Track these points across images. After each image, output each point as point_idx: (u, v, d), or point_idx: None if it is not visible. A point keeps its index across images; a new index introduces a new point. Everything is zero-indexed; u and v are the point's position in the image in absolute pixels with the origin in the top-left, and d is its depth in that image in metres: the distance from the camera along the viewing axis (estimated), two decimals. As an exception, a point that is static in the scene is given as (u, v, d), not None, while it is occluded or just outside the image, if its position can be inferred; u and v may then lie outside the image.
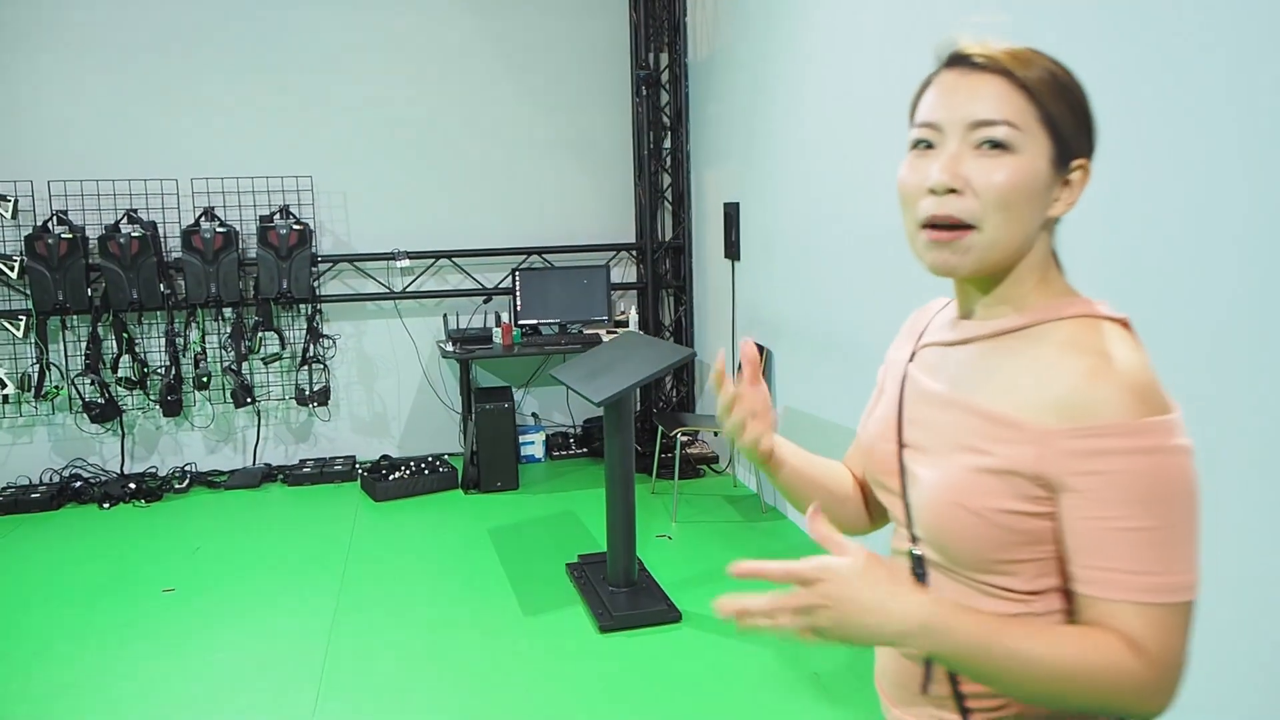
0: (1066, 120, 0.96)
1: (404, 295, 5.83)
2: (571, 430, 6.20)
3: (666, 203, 6.08)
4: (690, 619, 3.70)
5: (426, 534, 4.73)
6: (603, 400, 3.40)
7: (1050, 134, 0.95)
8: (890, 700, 1.14)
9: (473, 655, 3.45)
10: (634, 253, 6.21)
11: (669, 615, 3.68)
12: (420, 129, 5.75)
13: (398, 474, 5.33)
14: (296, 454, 5.89)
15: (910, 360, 1.13)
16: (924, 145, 0.99)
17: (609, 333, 5.77)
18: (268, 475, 5.64)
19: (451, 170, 5.83)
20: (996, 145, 0.94)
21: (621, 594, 3.80)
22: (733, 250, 5.24)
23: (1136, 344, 0.95)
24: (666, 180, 6.04)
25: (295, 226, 5.43)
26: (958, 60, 0.99)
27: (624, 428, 3.71)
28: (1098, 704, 0.90)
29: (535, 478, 5.60)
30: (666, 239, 6.10)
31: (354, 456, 5.82)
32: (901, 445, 1.08)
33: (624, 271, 6.22)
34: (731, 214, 5.20)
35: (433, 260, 5.85)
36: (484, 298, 5.86)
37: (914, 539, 1.05)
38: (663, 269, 6.12)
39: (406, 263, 5.73)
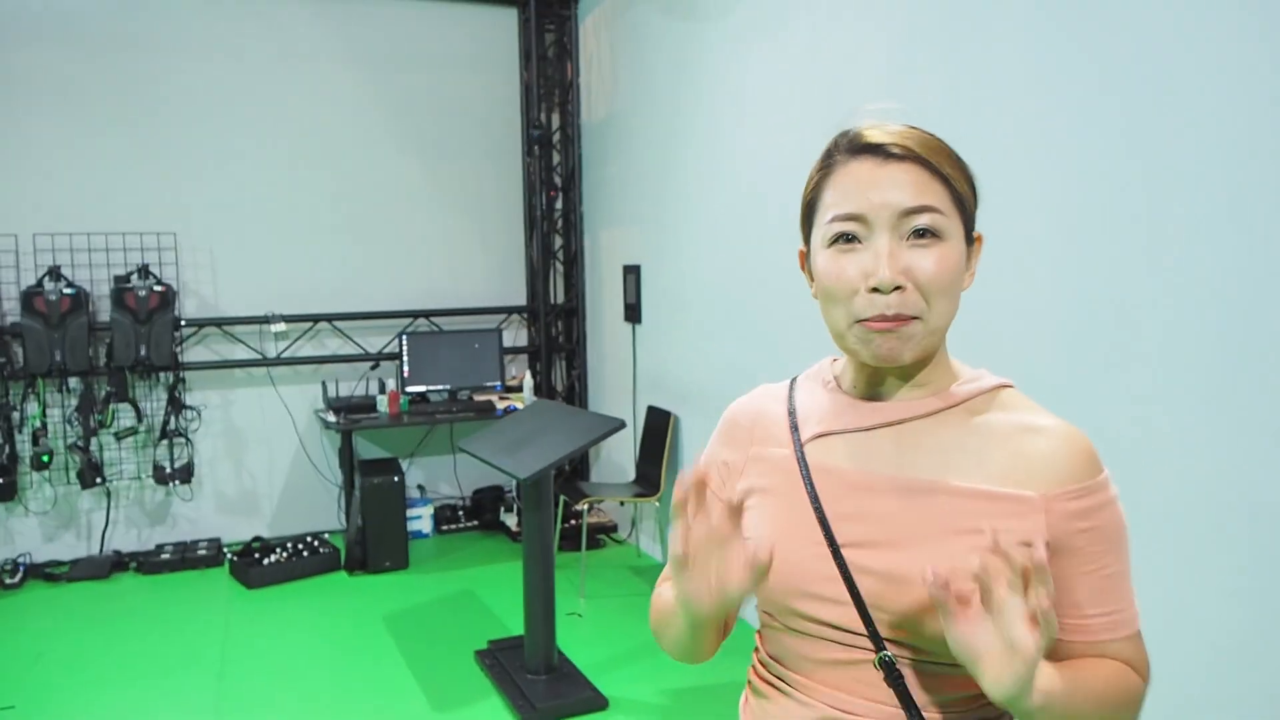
0: (969, 199, 0.99)
1: (279, 361, 5.40)
2: (460, 502, 5.87)
3: (558, 264, 5.92)
4: (617, 704, 3.46)
5: (313, 623, 4.30)
6: (529, 477, 3.17)
7: (960, 214, 0.97)
8: None
9: (383, 763, 3.10)
10: (525, 315, 6.00)
11: (595, 702, 3.43)
12: (297, 185, 5.40)
13: (273, 556, 4.87)
14: (151, 538, 5.30)
15: (800, 453, 1.04)
16: (847, 239, 0.96)
17: (501, 399, 5.52)
18: (117, 564, 5.04)
19: (330, 229, 5.50)
20: (926, 233, 0.94)
21: (541, 682, 3.52)
22: (633, 313, 5.12)
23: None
24: (559, 241, 5.89)
25: (156, 288, 4.96)
26: (866, 149, 0.97)
27: (544, 504, 3.47)
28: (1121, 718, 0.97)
29: (425, 554, 5.23)
30: (559, 301, 5.93)
31: (219, 539, 5.29)
32: (836, 546, 0.98)
33: (514, 335, 6.00)
34: (632, 276, 5.10)
35: (310, 324, 5.47)
36: (371, 364, 5.51)
37: (880, 645, 0.96)
38: (554, 332, 5.93)
39: (282, 327, 5.33)
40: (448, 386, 5.46)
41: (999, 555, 0.83)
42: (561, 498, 5.08)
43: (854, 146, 0.98)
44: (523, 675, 3.57)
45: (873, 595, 0.96)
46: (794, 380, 1.13)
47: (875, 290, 0.93)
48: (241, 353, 5.36)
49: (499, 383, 5.55)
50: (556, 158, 5.82)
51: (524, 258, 5.98)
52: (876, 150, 0.96)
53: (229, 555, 5.01)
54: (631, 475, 5.19)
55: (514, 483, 5.89)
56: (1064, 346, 2.44)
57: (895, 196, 0.94)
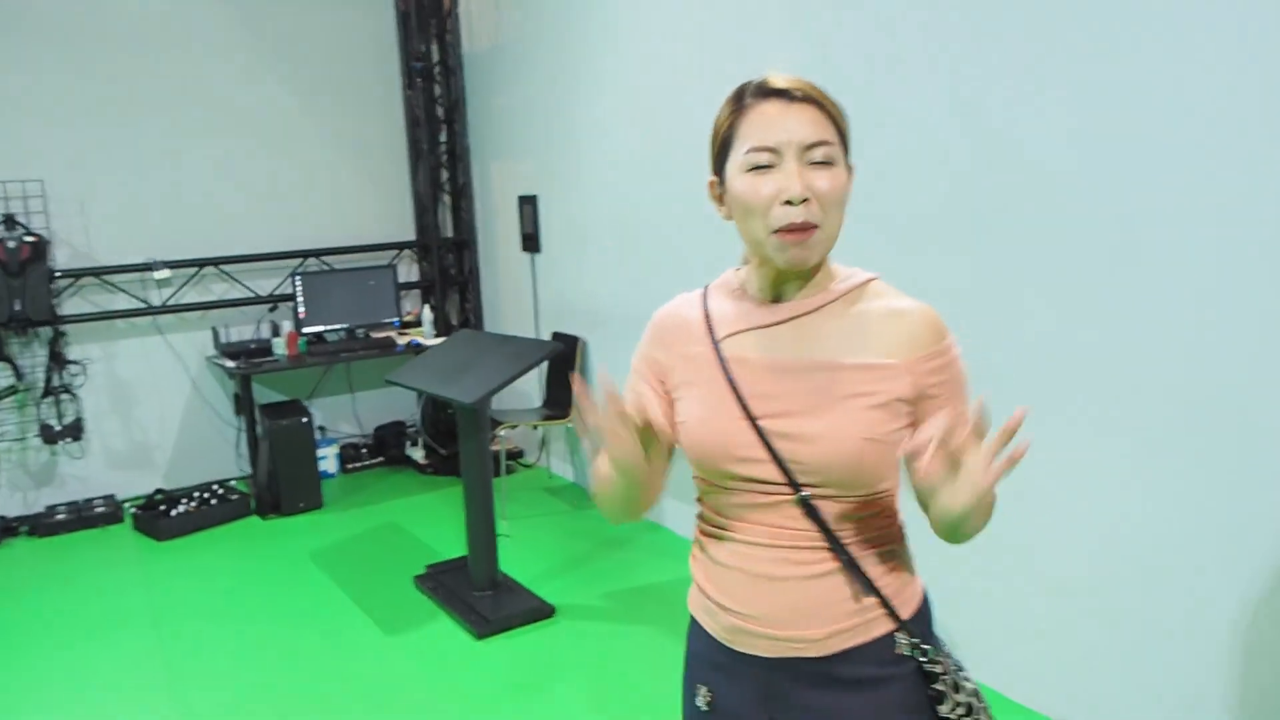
0: (847, 134, 1.24)
1: (165, 309, 5.22)
2: (362, 440, 5.88)
3: (446, 197, 5.92)
4: (563, 611, 3.68)
5: (237, 568, 4.30)
6: (477, 400, 3.29)
7: (843, 146, 1.23)
8: (783, 627, 1.25)
9: (352, 684, 3.22)
10: (415, 250, 5.99)
11: (542, 611, 3.64)
12: (169, 128, 5.16)
13: (180, 507, 4.79)
14: (38, 500, 5.09)
15: (716, 349, 1.29)
16: (761, 167, 1.19)
17: (400, 334, 5.54)
18: (6, 529, 4.84)
19: (209, 172, 5.30)
20: (822, 161, 1.18)
21: (488, 597, 3.70)
22: (531, 243, 5.22)
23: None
24: (445, 175, 5.88)
25: (26, 238, 4.69)
26: (775, 93, 1.20)
27: (482, 429, 3.61)
28: (990, 509, 1.21)
29: (337, 494, 5.26)
30: (449, 235, 5.94)
31: (114, 495, 5.14)
32: (754, 419, 1.24)
33: (406, 270, 5.98)
34: (529, 207, 5.18)
35: (196, 269, 5.29)
36: (270, 305, 5.39)
37: (797, 488, 1.23)
38: (447, 265, 5.95)
39: (166, 273, 5.14)
40: (345, 325, 5.43)
41: (962, 423, 1.11)
42: (474, 427, 5.21)
43: (763, 91, 1.21)
44: (468, 593, 3.74)
45: (787, 452, 1.22)
46: (706, 289, 1.38)
47: (788, 203, 1.17)
48: (123, 302, 5.15)
49: (396, 319, 5.55)
50: (438, 90, 5.77)
51: (410, 193, 5.94)
52: (783, 94, 1.20)
53: (132, 510, 4.89)
54: (536, 402, 5.35)
55: (416, 417, 5.95)
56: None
57: (800, 132, 1.18)
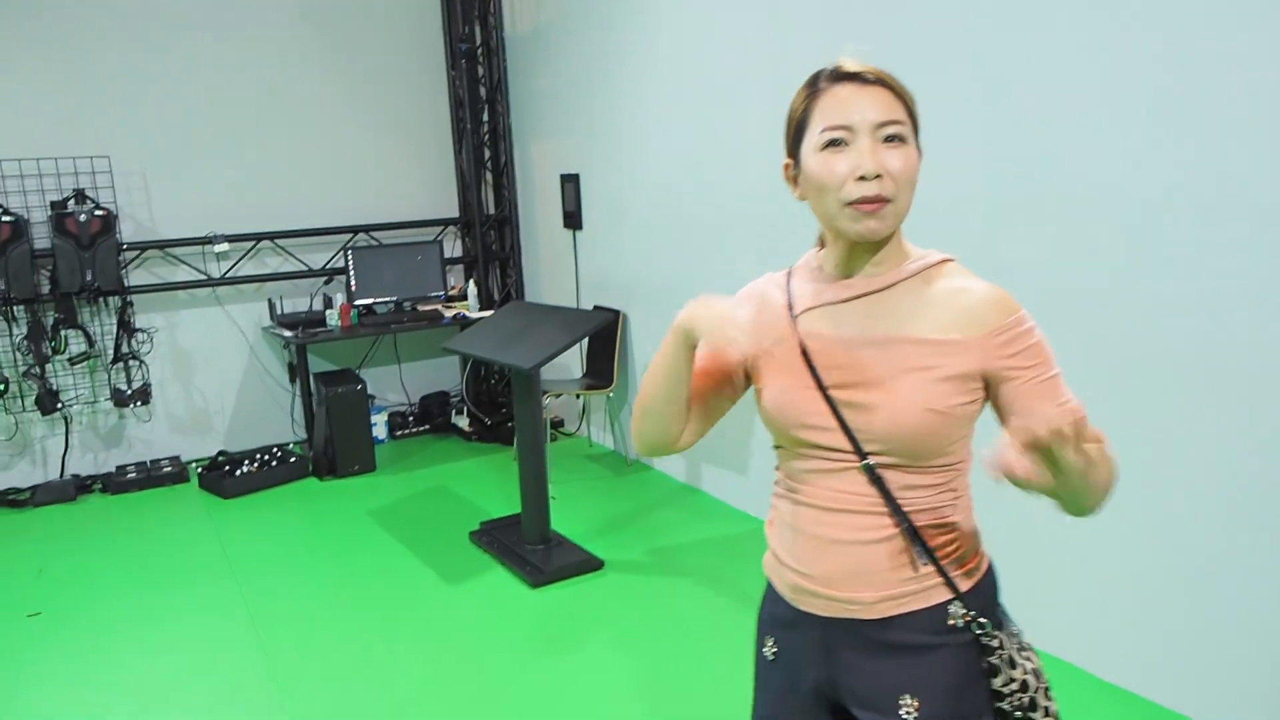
0: (916, 117, 1.30)
1: (225, 281, 5.49)
2: (409, 409, 6.14)
3: (488, 175, 6.14)
4: (611, 564, 3.93)
5: (301, 524, 4.58)
6: (535, 365, 3.52)
7: (914, 126, 1.29)
8: (838, 588, 1.33)
9: (417, 627, 3.48)
10: (459, 226, 6.22)
11: (592, 564, 3.89)
12: (225, 106, 5.41)
13: (243, 468, 5.07)
14: (108, 461, 5.39)
15: (794, 324, 1.38)
16: (836, 144, 1.26)
17: (446, 307, 5.78)
18: (81, 486, 5.14)
19: (262, 150, 5.54)
20: (895, 139, 1.25)
21: (540, 550, 3.95)
22: (573, 220, 5.44)
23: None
24: (487, 154, 6.10)
25: (97, 213, 4.96)
26: (847, 77, 1.27)
27: (535, 393, 3.85)
28: (1114, 473, 1.23)
29: (387, 458, 5.53)
30: (491, 212, 6.17)
31: (178, 456, 5.43)
32: (825, 389, 1.32)
33: (450, 246, 6.22)
34: (571, 185, 5.39)
35: (253, 244, 5.55)
36: (325, 279, 5.65)
37: (862, 455, 1.30)
38: (489, 241, 6.18)
39: (225, 246, 5.40)
40: (394, 298, 5.68)
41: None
42: (518, 395, 5.46)
43: (836, 75, 1.28)
44: (522, 546, 3.99)
45: (854, 421, 1.30)
46: (790, 270, 1.46)
47: (862, 179, 1.23)
48: (182, 274, 5.42)
49: (442, 292, 5.79)
50: (481, 71, 5.98)
51: (453, 171, 6.16)
52: (855, 77, 1.27)
53: (199, 470, 5.17)
54: (576, 373, 5.59)
55: (460, 387, 6.20)
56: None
57: (873, 112, 1.24)
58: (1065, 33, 2.72)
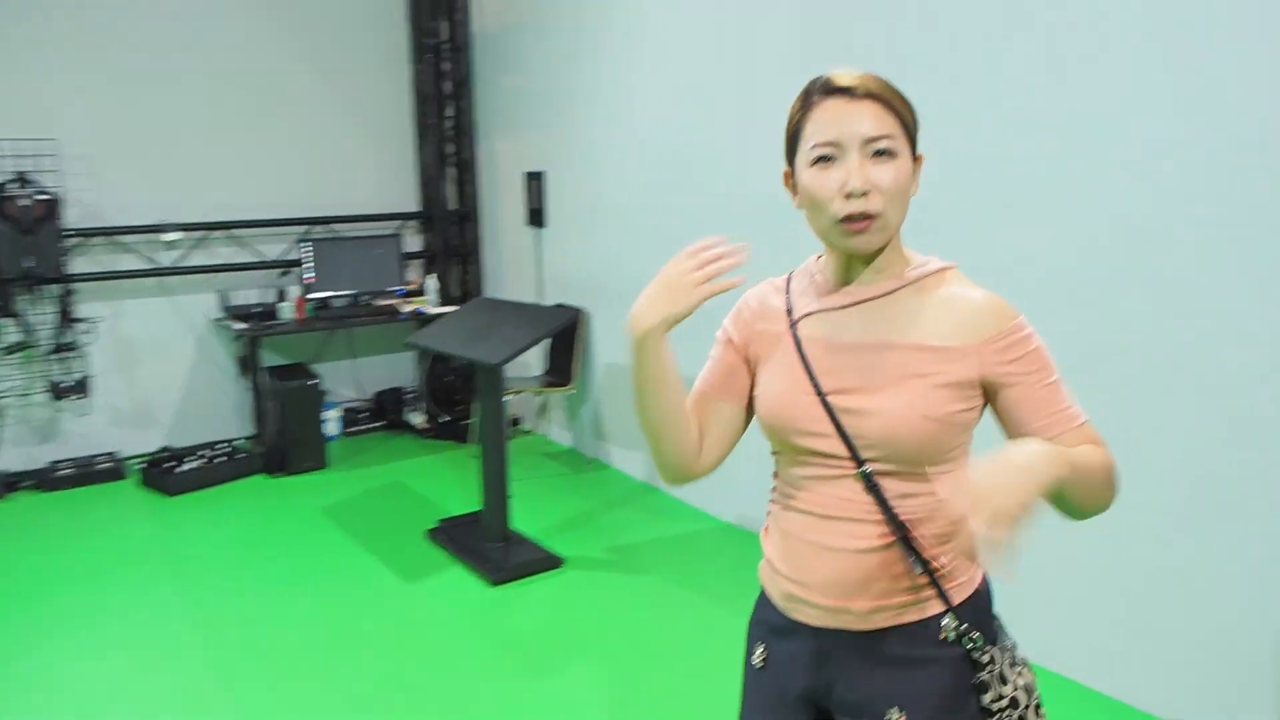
0: (912, 126, 1.29)
1: (175, 270, 5.31)
2: (363, 404, 6.01)
3: (451, 171, 6.04)
4: (570, 562, 3.86)
5: (252, 521, 4.44)
6: (502, 361, 3.45)
7: (907, 138, 1.27)
8: (831, 597, 1.32)
9: (376, 625, 3.38)
10: (419, 222, 6.11)
11: (552, 561, 3.82)
12: (181, 91, 5.25)
13: (189, 464, 4.90)
14: (40, 456, 5.16)
15: (793, 329, 1.37)
16: (825, 160, 1.25)
17: (405, 302, 5.67)
18: (9, 483, 4.91)
19: (219, 136, 5.39)
20: (883, 153, 1.24)
21: (499, 548, 3.87)
22: (537, 218, 5.37)
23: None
24: (450, 149, 6.00)
25: (40, 196, 4.77)
26: (837, 91, 1.26)
27: (499, 389, 3.77)
28: (1111, 481, 1.25)
29: (340, 455, 5.39)
30: (453, 207, 6.07)
31: (115, 452, 5.23)
32: (823, 394, 1.31)
33: (410, 240, 6.10)
34: (535, 182, 5.33)
35: (205, 233, 5.38)
36: (282, 270, 5.50)
37: (860, 462, 1.29)
38: (450, 237, 6.08)
39: (177, 235, 5.23)
40: (351, 292, 5.55)
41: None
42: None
43: (828, 89, 1.27)
44: (481, 545, 3.90)
45: (851, 426, 1.29)
46: (790, 274, 1.45)
47: (849, 195, 1.23)
48: (128, 262, 5.23)
49: (401, 287, 5.68)
50: (446, 66, 5.89)
51: (416, 165, 6.06)
52: (846, 92, 1.25)
53: (139, 466, 4.98)
54: (536, 371, 5.51)
55: (415, 383, 6.08)
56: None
57: (862, 127, 1.23)
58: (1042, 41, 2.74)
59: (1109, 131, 2.62)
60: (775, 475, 1.43)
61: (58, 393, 4.96)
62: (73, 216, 5.05)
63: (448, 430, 5.67)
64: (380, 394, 5.99)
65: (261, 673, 3.07)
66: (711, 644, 3.18)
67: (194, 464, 4.90)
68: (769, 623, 1.43)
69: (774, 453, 1.42)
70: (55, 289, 4.97)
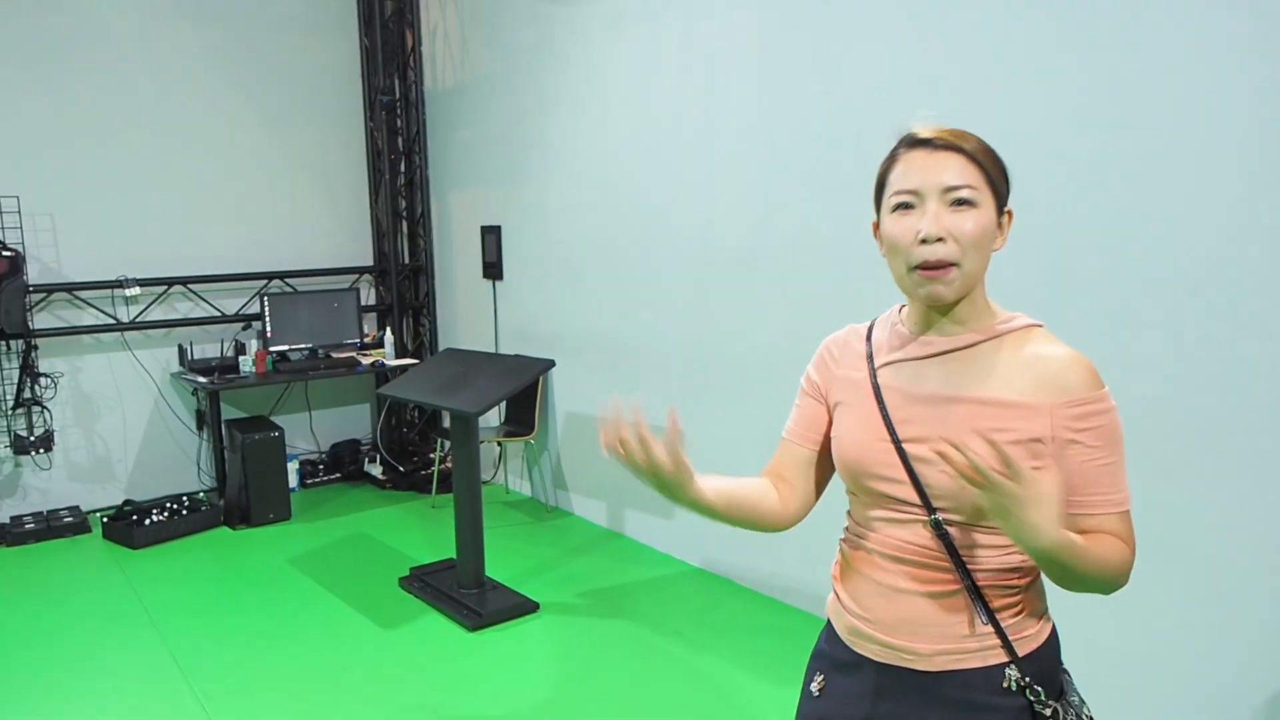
0: (999, 179, 1.31)
1: (134, 325, 5.37)
2: (319, 457, 6.09)
3: (404, 225, 6.22)
4: (546, 607, 4.03)
5: (220, 572, 4.50)
6: (480, 410, 3.64)
7: (992, 191, 1.29)
8: (896, 635, 1.36)
9: (359, 673, 3.49)
10: (375, 275, 6.27)
11: (528, 606, 3.98)
12: (139, 149, 5.34)
13: (153, 517, 4.94)
14: (2, 511, 5.14)
15: (873, 376, 1.41)
16: (905, 207, 1.29)
17: (363, 354, 5.80)
18: (-30, 539, 4.90)
19: (178, 192, 5.49)
20: (963, 203, 1.27)
21: (475, 594, 4.03)
22: (493, 270, 5.58)
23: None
24: (404, 204, 6.19)
25: (4, 253, 4.80)
26: (920, 143, 1.31)
27: (472, 439, 3.95)
28: (1117, 578, 1.29)
29: (300, 506, 5.46)
30: (407, 261, 6.24)
31: (78, 506, 5.24)
32: (898, 442, 1.34)
33: (365, 294, 6.24)
34: (492, 236, 5.54)
35: (165, 288, 5.46)
36: (243, 324, 5.59)
37: (931, 510, 1.32)
38: (404, 290, 6.25)
39: (136, 290, 5.30)
40: (309, 345, 5.67)
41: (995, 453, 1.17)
42: (440, 442, 5.53)
43: (912, 141, 1.32)
44: (456, 591, 4.05)
45: (925, 476, 1.31)
46: (874, 321, 1.49)
47: (924, 242, 1.27)
48: (89, 318, 5.27)
49: (358, 340, 5.82)
50: (400, 122, 6.09)
51: (368, 220, 6.22)
52: (927, 143, 1.30)
53: (103, 519, 5.00)
54: (494, 421, 5.68)
55: (372, 436, 6.20)
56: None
57: (941, 176, 1.27)
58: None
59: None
60: (848, 514, 1.48)
61: (20, 448, 4.96)
62: (34, 273, 5.09)
63: (407, 480, 5.79)
64: (336, 445, 6.08)
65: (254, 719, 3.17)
66: (688, 686, 3.38)
67: (158, 517, 4.94)
68: (832, 656, 1.47)
69: (848, 493, 1.47)
70: (18, 344, 4.99)
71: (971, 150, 1.29)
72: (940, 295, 1.29)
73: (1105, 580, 1.27)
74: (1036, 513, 1.16)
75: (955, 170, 1.27)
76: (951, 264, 1.27)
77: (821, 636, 1.54)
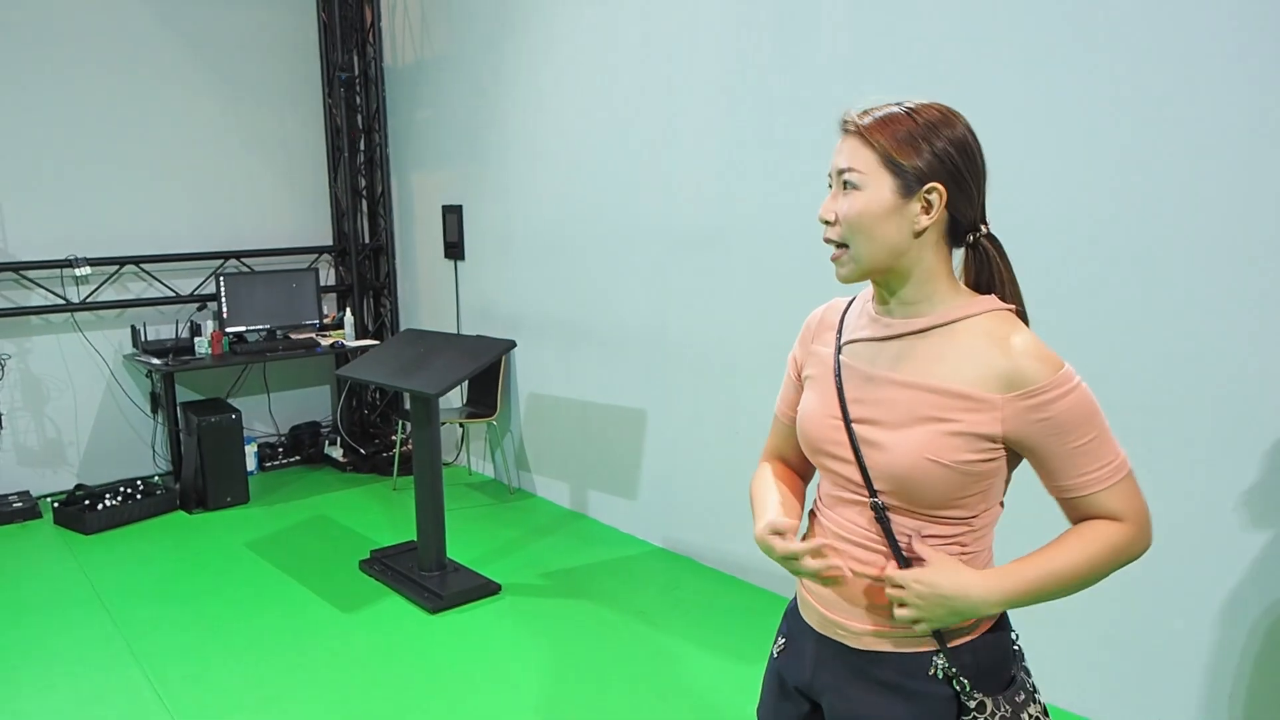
0: (908, 158, 1.24)
1: (85, 306, 5.24)
2: (278, 439, 6.00)
3: (364, 204, 6.13)
4: (508, 588, 4.02)
5: (177, 556, 4.43)
6: (441, 391, 3.60)
7: (891, 172, 1.24)
8: (829, 609, 1.40)
9: (317, 656, 3.46)
10: (334, 255, 6.17)
11: (490, 588, 3.96)
12: (89, 125, 5.20)
13: (105, 502, 4.84)
14: (-55, 497, 5.03)
15: (838, 353, 1.40)
16: (830, 189, 1.33)
17: (322, 336, 5.72)
18: (-85, 526, 4.77)
19: (130, 170, 5.35)
20: (848, 185, 1.27)
21: (437, 576, 4.00)
22: (455, 250, 5.52)
23: (1026, 326, 1.30)
24: (363, 183, 6.09)
25: (-54, 231, 4.67)
26: (840, 127, 1.32)
27: (433, 420, 3.91)
28: (1113, 569, 1.28)
29: (259, 490, 5.39)
30: (367, 240, 6.15)
31: (28, 491, 5.12)
32: (849, 421, 1.35)
33: (324, 274, 6.15)
34: (453, 216, 5.48)
35: (117, 268, 5.33)
36: (198, 305, 5.48)
37: (872, 492, 1.32)
38: (364, 270, 6.16)
39: (87, 270, 5.17)
40: (266, 326, 5.57)
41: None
42: (402, 424, 5.48)
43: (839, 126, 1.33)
44: (417, 573, 4.02)
45: (868, 458, 1.31)
46: (854, 298, 1.47)
47: (826, 223, 1.31)
48: (37, 299, 5.14)
49: (317, 321, 5.73)
50: (359, 99, 5.99)
51: (328, 199, 6.12)
52: (841, 126, 1.31)
53: (54, 504, 4.89)
54: (456, 402, 5.64)
55: (332, 418, 6.12)
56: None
57: (837, 159, 1.29)
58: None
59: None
60: (818, 488, 1.50)
61: (-36, 433, 4.84)
62: (-23, 252, 4.95)
63: (368, 463, 5.73)
64: (296, 428, 6.00)
65: (210, 705, 3.12)
66: (651, 665, 3.39)
67: (110, 502, 4.84)
68: (792, 619, 1.51)
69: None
70: (-41, 326, 4.85)
71: (870, 131, 1.25)
72: (840, 276, 1.33)
73: (1104, 571, 1.27)
74: (955, 599, 1.25)
75: (847, 153, 1.28)
76: (841, 245, 1.30)
77: (792, 599, 1.58)
